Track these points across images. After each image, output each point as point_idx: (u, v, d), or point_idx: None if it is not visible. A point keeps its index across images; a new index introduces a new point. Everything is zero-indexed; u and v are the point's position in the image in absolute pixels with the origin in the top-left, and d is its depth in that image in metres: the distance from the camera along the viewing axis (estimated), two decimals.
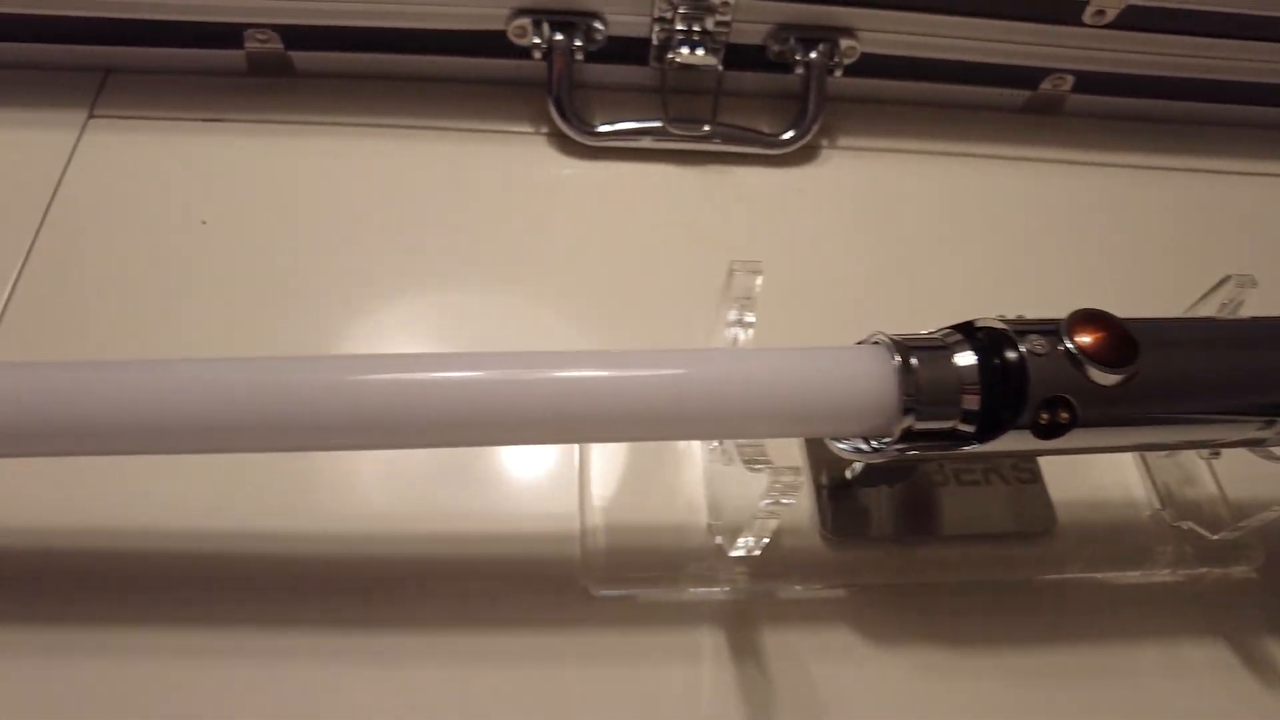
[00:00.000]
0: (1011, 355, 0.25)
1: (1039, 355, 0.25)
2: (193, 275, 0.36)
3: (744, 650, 0.29)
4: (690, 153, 0.41)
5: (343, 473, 0.32)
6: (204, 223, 0.37)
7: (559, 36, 0.39)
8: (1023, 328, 0.26)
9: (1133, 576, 0.33)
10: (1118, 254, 0.43)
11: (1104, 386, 0.25)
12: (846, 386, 0.25)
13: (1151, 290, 0.39)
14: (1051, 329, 0.26)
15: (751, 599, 0.30)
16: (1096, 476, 0.34)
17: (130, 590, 0.29)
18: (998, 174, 0.44)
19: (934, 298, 0.39)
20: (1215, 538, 0.31)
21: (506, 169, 0.40)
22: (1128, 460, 0.35)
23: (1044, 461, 0.34)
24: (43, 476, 0.29)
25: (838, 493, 0.32)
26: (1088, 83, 0.45)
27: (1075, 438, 0.26)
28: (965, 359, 0.25)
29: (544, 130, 0.41)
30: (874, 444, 0.26)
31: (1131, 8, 0.41)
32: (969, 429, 0.26)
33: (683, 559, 0.30)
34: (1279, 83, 0.45)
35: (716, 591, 0.30)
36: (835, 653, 0.30)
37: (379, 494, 0.31)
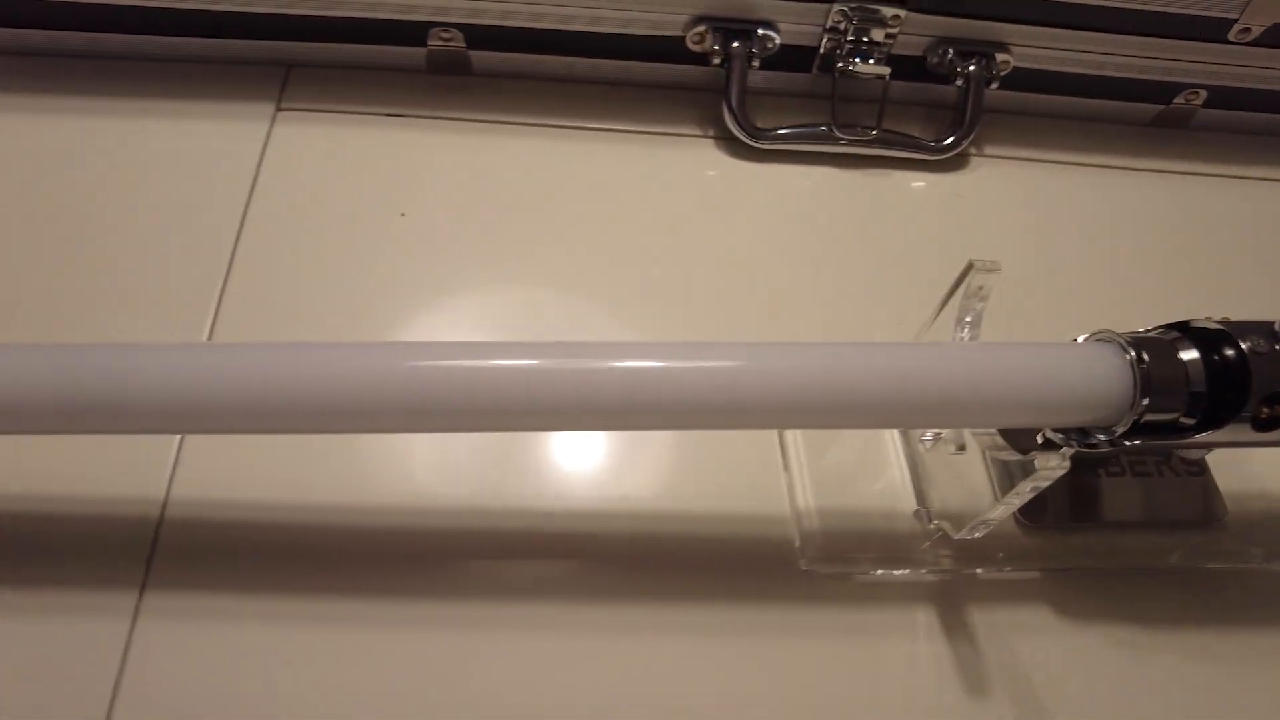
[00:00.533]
0: (1232, 353, 0.28)
1: (1260, 353, 0.28)
2: (393, 263, 0.38)
3: (954, 627, 0.31)
4: (850, 156, 0.44)
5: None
6: (403, 215, 0.39)
7: (736, 44, 0.41)
8: (1240, 327, 0.28)
9: None
10: (1243, 261, 0.45)
11: None
12: (1090, 379, 0.27)
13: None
14: (1268, 328, 0.28)
15: (956, 580, 0.32)
16: (1261, 468, 0.37)
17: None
18: (1128, 185, 0.47)
19: (1084, 301, 0.42)
20: None
21: (676, 170, 0.43)
22: None
23: (1211, 455, 0.36)
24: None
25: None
26: (1220, 98, 0.48)
27: None
28: (1190, 355, 0.28)
29: (711, 133, 0.43)
30: (1100, 435, 0.29)
31: (1278, 25, 0.44)
32: (1190, 421, 0.28)
33: (891, 541, 0.33)
34: None
35: (924, 573, 0.32)
36: (1034, 629, 0.32)
37: (627, 481, 0.34)
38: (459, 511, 0.32)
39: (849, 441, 0.35)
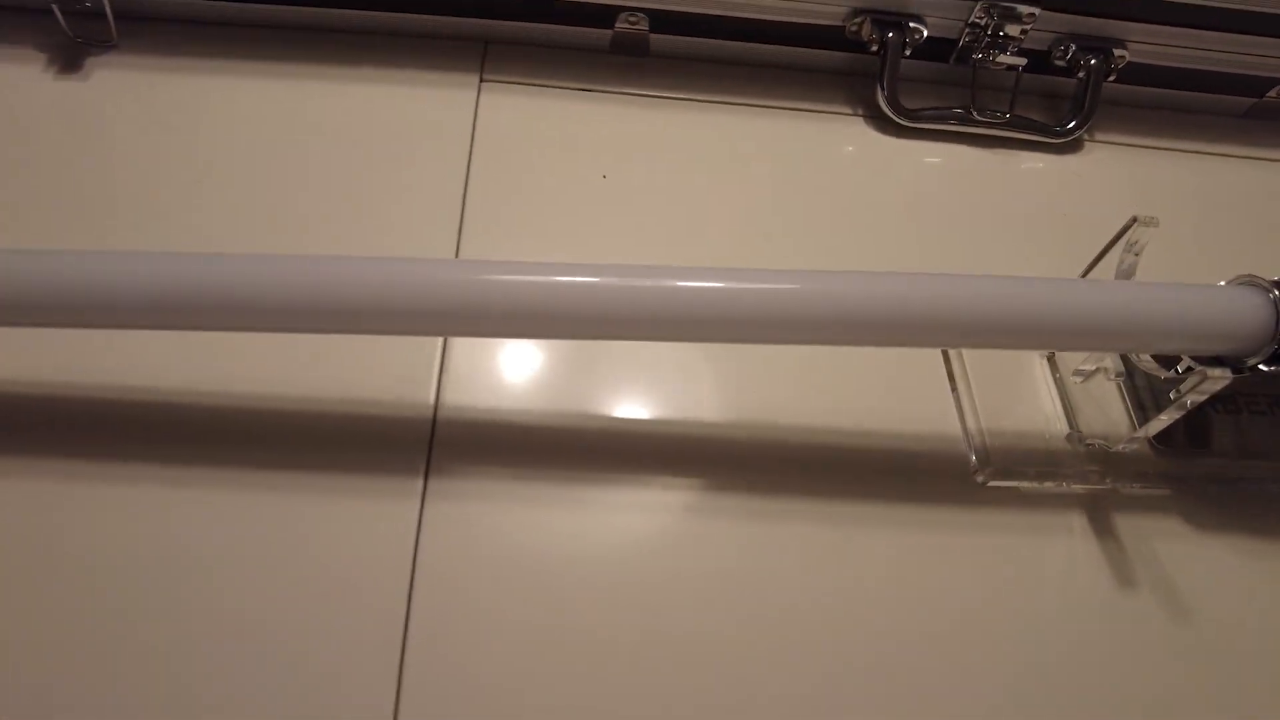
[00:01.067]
0: None
1: None
2: (598, 219, 0.44)
3: (1103, 531, 0.37)
4: (983, 137, 0.50)
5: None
6: (604, 177, 0.45)
7: (891, 34, 0.47)
8: None
9: None
10: None
11: None
12: (1236, 311, 0.33)
13: None
14: None
15: (1104, 493, 0.38)
16: None
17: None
18: (1224, 169, 0.53)
19: (1191, 270, 0.47)
20: None
21: (832, 144, 0.49)
22: None
23: None
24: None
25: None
26: None
27: None
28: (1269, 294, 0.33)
29: (862, 112, 0.49)
30: (1246, 363, 0.34)
31: None
32: None
33: (1049, 459, 0.38)
34: None
35: (1078, 487, 0.38)
36: (1169, 536, 0.38)
37: (776, 392, 0.39)
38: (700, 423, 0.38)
39: (1003, 371, 0.40)
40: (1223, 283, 0.35)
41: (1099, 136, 0.52)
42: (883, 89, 0.48)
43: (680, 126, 0.48)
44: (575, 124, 0.47)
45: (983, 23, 0.47)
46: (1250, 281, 0.34)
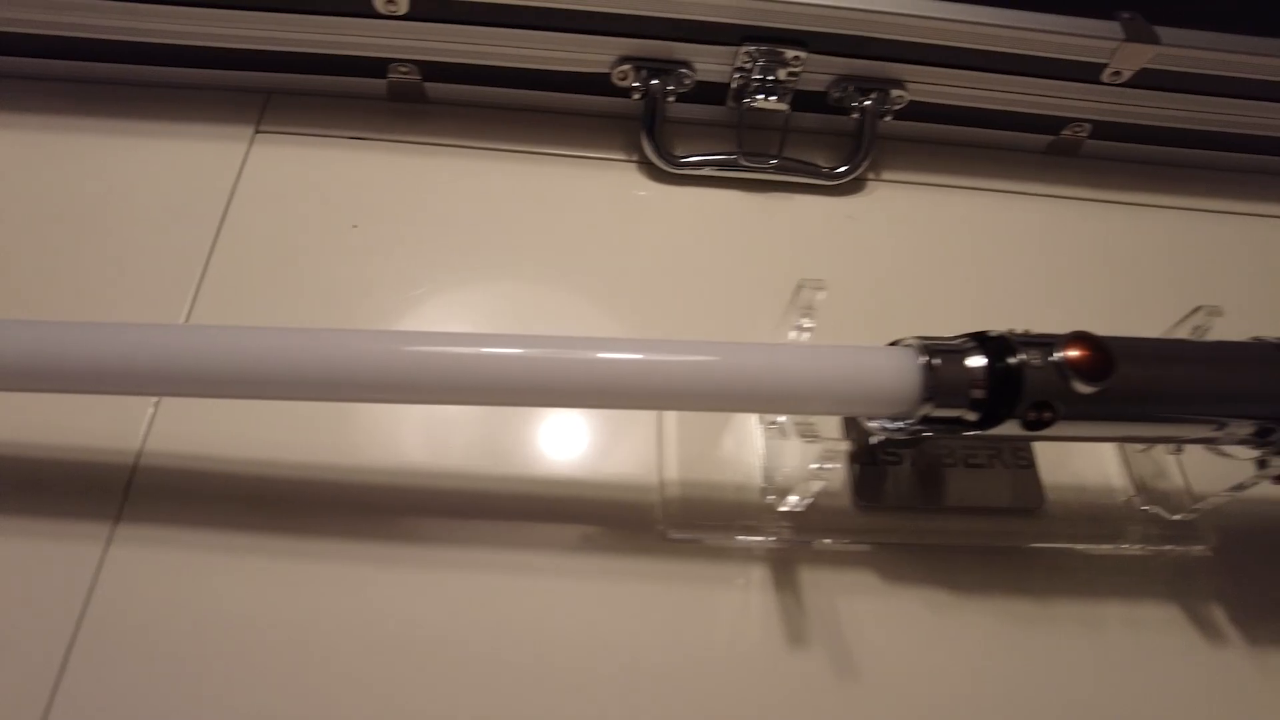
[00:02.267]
0: (1012, 362, 0.34)
1: (1035, 366, 0.34)
2: (346, 269, 0.46)
3: (784, 584, 0.39)
4: (757, 181, 0.51)
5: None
6: (355, 226, 0.47)
7: (655, 81, 0.48)
8: (1025, 340, 0.35)
9: (1106, 549, 0.42)
10: (1118, 279, 0.52)
11: (1083, 394, 0.34)
12: (884, 377, 0.34)
13: (1143, 312, 0.49)
14: (1049, 343, 0.35)
15: (793, 548, 0.40)
16: (1082, 466, 0.43)
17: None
18: (1020, 207, 0.54)
19: (960, 309, 0.48)
20: (1174, 518, 0.41)
21: (601, 190, 0.50)
22: (1109, 451, 0.44)
23: (1039, 450, 0.43)
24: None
25: (867, 469, 0.41)
26: (1104, 131, 0.54)
27: (1058, 429, 0.35)
28: (975, 361, 0.34)
29: (634, 158, 0.51)
30: (900, 424, 0.35)
31: (1145, 70, 0.50)
32: (973, 418, 0.35)
33: (740, 513, 0.40)
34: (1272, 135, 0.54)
35: (766, 540, 0.39)
36: (857, 591, 0.39)
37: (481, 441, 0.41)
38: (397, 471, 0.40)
39: (716, 427, 0.42)
40: (892, 342, 0.36)
41: (888, 176, 0.53)
42: (648, 135, 0.49)
43: (450, 173, 0.50)
44: (342, 174, 0.49)
45: (748, 67, 0.48)
46: (909, 344, 0.35)
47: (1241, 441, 0.37)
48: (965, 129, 0.54)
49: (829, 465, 0.34)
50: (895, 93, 0.50)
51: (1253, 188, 0.56)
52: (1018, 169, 0.55)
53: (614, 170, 0.51)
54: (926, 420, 0.35)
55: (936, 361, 0.35)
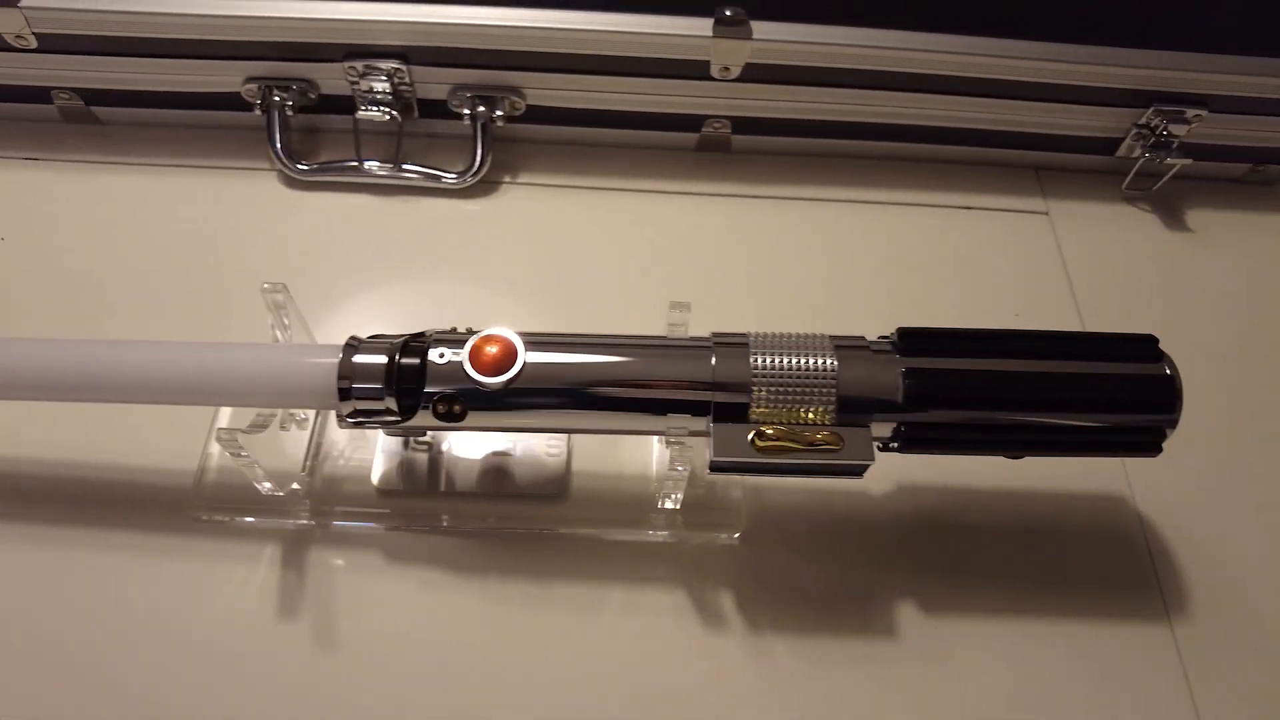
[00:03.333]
0: (414, 361, 0.37)
1: (439, 363, 0.37)
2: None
3: (292, 562, 0.43)
4: (390, 186, 0.54)
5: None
6: (2, 239, 0.53)
7: (275, 96, 0.53)
8: (444, 338, 0.38)
9: (626, 535, 0.44)
10: (758, 270, 0.54)
11: (488, 389, 0.37)
12: (303, 374, 0.38)
13: (791, 303, 0.51)
14: (461, 341, 0.38)
15: (312, 529, 0.43)
16: (621, 455, 0.45)
17: None
18: (668, 205, 0.56)
19: (594, 305, 0.52)
20: (664, 507, 0.43)
21: (242, 197, 0.55)
22: (648, 444, 0.46)
23: (576, 442, 0.45)
24: None
25: (391, 456, 0.45)
26: (743, 126, 0.55)
27: (475, 420, 0.38)
28: (377, 360, 0.38)
29: (274, 168, 0.55)
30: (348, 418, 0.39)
31: (750, 65, 0.51)
32: (395, 410, 0.38)
33: (270, 498, 0.44)
34: (906, 124, 0.55)
35: (288, 522, 0.43)
36: (360, 570, 0.43)
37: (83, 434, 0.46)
38: None
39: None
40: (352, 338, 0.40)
41: (523, 179, 0.56)
42: (274, 146, 0.53)
43: (110, 190, 0.55)
44: (10, 192, 0.55)
45: (355, 81, 0.52)
46: (351, 343, 0.39)
47: (694, 433, 0.39)
48: (609, 130, 0.56)
49: (244, 455, 0.38)
50: (511, 99, 0.53)
51: (886, 175, 0.58)
52: (672, 168, 0.57)
53: (257, 179, 0.55)
54: (359, 413, 0.39)
55: (355, 359, 0.38)
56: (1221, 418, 0.50)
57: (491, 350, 0.38)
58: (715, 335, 0.39)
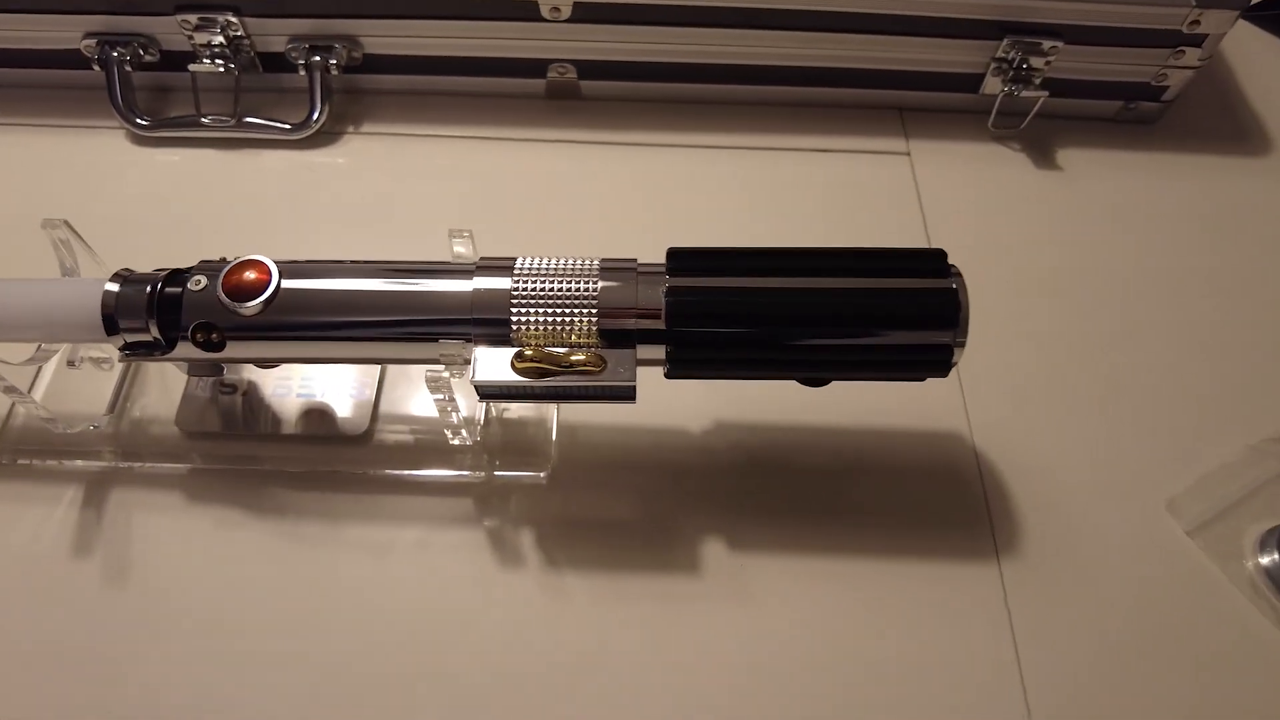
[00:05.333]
0: (176, 290, 0.37)
1: (197, 290, 0.37)
2: None
3: (92, 503, 0.43)
4: (233, 140, 0.55)
5: None
6: None
7: (114, 52, 0.53)
8: (206, 268, 0.38)
9: (433, 475, 0.44)
10: (600, 215, 0.53)
11: (246, 315, 0.37)
12: (70, 306, 0.38)
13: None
14: (216, 271, 0.38)
15: (115, 471, 0.44)
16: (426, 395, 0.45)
17: None
18: (513, 152, 0.56)
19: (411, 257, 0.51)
20: (456, 443, 0.42)
21: (90, 155, 0.55)
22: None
23: (387, 378, 0.45)
24: None
25: (190, 398, 0.45)
26: (587, 70, 0.55)
27: (236, 350, 0.38)
28: (141, 290, 0.38)
29: (121, 126, 0.56)
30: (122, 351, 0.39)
31: (579, 4, 0.51)
32: (161, 341, 0.38)
33: (76, 440, 0.44)
34: (760, 64, 0.54)
35: (91, 464, 0.44)
36: (157, 510, 0.42)
37: None
38: None
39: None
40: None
41: (367, 129, 0.56)
42: (115, 101, 0.54)
43: None
44: None
45: (190, 34, 0.52)
46: (121, 276, 0.39)
47: (467, 361, 0.39)
48: (453, 79, 0.56)
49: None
50: (345, 47, 0.53)
51: (744, 119, 0.57)
52: (522, 116, 0.57)
53: (104, 136, 0.56)
54: (132, 345, 0.39)
55: (115, 289, 0.38)
56: (1083, 361, 0.48)
57: (249, 276, 0.38)
58: (482, 259, 0.38)
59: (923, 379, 0.39)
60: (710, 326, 0.37)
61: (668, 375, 0.38)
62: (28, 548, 0.42)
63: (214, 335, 0.38)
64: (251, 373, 0.46)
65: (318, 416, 0.45)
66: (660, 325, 0.37)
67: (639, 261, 0.38)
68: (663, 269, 0.38)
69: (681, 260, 0.38)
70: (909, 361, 0.38)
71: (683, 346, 0.37)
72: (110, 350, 0.45)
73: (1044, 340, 0.49)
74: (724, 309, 0.37)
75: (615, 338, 0.37)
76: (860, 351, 0.38)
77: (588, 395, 0.38)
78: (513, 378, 0.37)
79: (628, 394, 0.37)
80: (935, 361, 0.38)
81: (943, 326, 0.37)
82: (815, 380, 0.40)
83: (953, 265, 0.38)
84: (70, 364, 0.43)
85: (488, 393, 0.37)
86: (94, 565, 0.42)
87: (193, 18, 0.52)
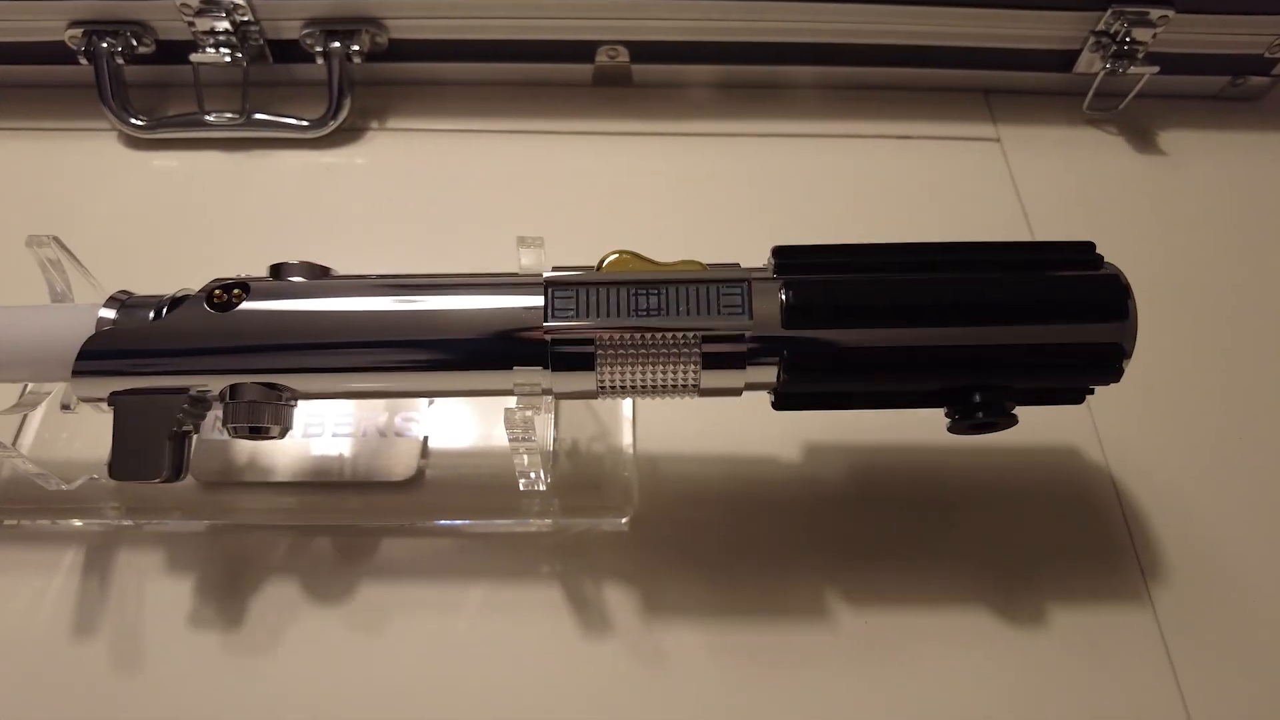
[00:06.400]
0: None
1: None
2: None
3: (93, 567, 0.36)
4: (239, 140, 0.48)
5: None
6: None
7: (104, 44, 0.46)
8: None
9: (496, 525, 0.37)
10: (673, 211, 0.47)
11: None
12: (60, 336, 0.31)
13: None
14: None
15: (119, 529, 0.37)
16: (496, 429, 0.39)
17: None
18: (559, 145, 0.49)
19: (461, 253, 0.45)
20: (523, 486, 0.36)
21: (79, 161, 0.48)
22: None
23: (429, 415, 0.39)
24: None
25: (209, 442, 0.38)
26: (642, 53, 0.49)
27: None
28: (108, 314, 0.31)
29: (111, 127, 0.49)
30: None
31: None
32: None
33: (73, 496, 0.37)
34: (832, 42, 0.49)
35: (94, 524, 0.37)
36: (177, 573, 0.36)
37: None
38: None
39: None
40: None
41: (392, 125, 0.49)
42: (105, 100, 0.47)
43: None
44: None
45: (191, 20, 0.46)
46: (123, 298, 0.32)
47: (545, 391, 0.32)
48: (488, 65, 0.49)
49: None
50: (371, 31, 0.47)
51: (814, 105, 0.51)
52: (566, 106, 0.50)
53: (94, 140, 0.49)
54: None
55: (112, 315, 0.32)
56: (1200, 361, 0.43)
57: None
58: (554, 269, 0.32)
59: (1089, 390, 0.33)
60: (840, 325, 0.31)
61: (776, 406, 0.32)
62: (21, 627, 0.35)
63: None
64: None
65: (358, 460, 0.39)
66: (776, 331, 0.31)
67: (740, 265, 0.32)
68: (766, 271, 0.32)
69: (792, 257, 0.32)
70: (1074, 366, 0.32)
71: (801, 357, 0.31)
72: None
73: (1174, 346, 0.43)
74: (860, 299, 0.30)
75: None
76: (1020, 353, 0.31)
77: None
78: None
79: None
80: (1103, 367, 0.32)
81: (1112, 317, 0.31)
82: (966, 409, 0.33)
83: (1103, 256, 0.32)
84: (64, 407, 0.37)
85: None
86: (100, 645, 0.35)
87: (194, 1, 0.45)
